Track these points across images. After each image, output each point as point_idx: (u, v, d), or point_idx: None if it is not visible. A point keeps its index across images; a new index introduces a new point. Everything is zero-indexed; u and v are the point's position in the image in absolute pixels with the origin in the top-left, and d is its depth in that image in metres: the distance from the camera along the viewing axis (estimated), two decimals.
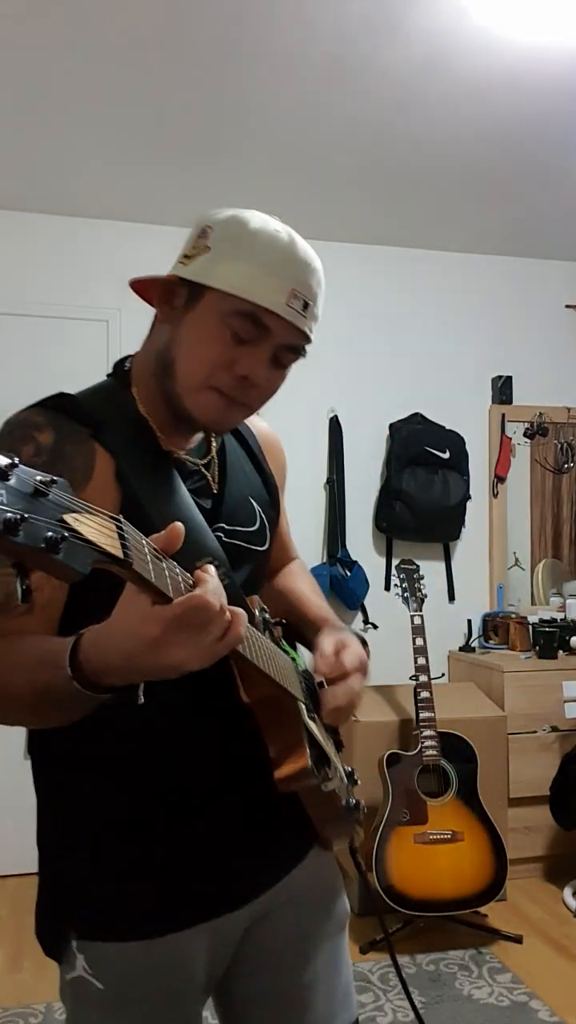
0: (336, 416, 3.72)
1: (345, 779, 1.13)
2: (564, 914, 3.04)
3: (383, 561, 3.76)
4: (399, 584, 3.15)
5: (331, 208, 3.44)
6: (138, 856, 1.01)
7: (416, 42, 2.35)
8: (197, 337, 0.98)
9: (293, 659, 1.09)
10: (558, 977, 2.62)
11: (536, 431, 3.94)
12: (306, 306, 0.98)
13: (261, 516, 1.14)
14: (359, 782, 1.19)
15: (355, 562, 3.62)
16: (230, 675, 0.93)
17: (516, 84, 2.56)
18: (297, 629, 1.20)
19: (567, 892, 3.15)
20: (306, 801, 1.06)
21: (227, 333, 0.96)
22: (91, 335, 3.51)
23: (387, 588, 3.68)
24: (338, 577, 3.54)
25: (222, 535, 1.06)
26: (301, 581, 1.30)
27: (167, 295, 1.00)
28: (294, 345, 1.00)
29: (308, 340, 1.01)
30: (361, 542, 3.74)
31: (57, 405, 0.97)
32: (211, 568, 0.74)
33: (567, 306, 4.05)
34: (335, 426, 3.71)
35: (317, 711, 1.06)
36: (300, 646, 1.19)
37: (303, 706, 1.01)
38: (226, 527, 1.07)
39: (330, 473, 3.70)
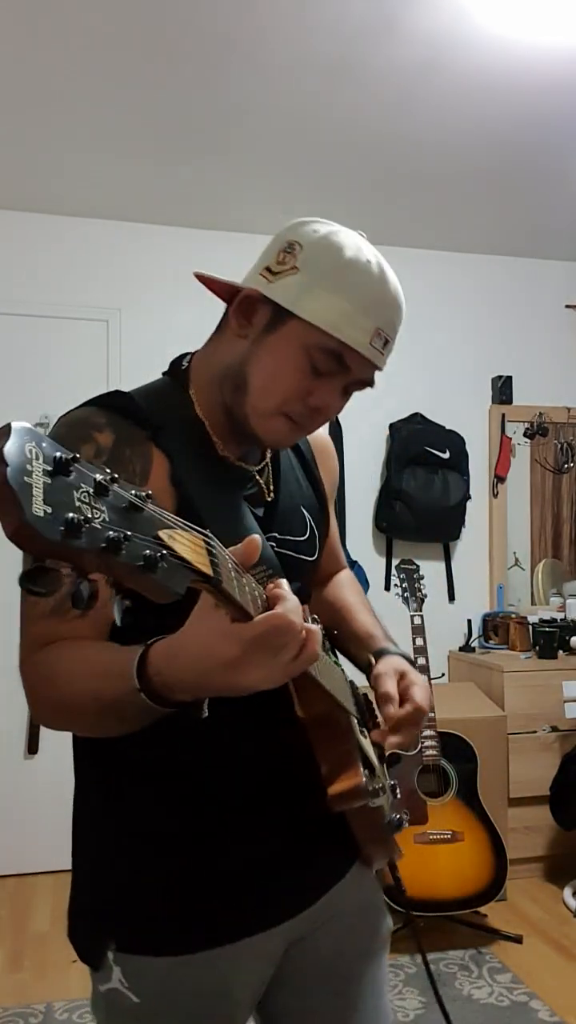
0: (336, 416, 3.70)
1: (391, 794, 1.09)
2: (564, 914, 3.04)
3: (383, 561, 3.77)
4: (399, 584, 3.14)
5: (330, 208, 3.41)
6: (179, 870, 0.98)
7: (416, 43, 2.34)
8: (276, 364, 0.96)
9: (343, 671, 1.06)
10: (558, 977, 2.61)
11: (536, 431, 3.94)
12: (386, 343, 0.98)
13: (311, 526, 1.12)
14: (400, 795, 1.15)
15: (355, 562, 3.62)
16: (284, 689, 0.91)
17: (516, 84, 2.56)
18: (342, 642, 1.17)
19: (567, 892, 3.15)
20: (351, 818, 1.03)
21: (307, 364, 0.95)
22: (91, 335, 3.50)
23: (387, 588, 3.68)
24: None
25: (274, 544, 1.03)
26: (350, 592, 1.26)
27: (247, 310, 0.98)
28: (367, 380, 1.00)
29: (379, 370, 1.00)
30: (361, 542, 3.74)
31: (115, 404, 0.96)
32: (284, 583, 0.72)
33: (567, 306, 4.04)
34: (335, 426, 3.71)
35: (365, 724, 1.03)
36: (341, 656, 1.16)
37: (355, 721, 0.99)
38: (278, 536, 1.05)
39: None
